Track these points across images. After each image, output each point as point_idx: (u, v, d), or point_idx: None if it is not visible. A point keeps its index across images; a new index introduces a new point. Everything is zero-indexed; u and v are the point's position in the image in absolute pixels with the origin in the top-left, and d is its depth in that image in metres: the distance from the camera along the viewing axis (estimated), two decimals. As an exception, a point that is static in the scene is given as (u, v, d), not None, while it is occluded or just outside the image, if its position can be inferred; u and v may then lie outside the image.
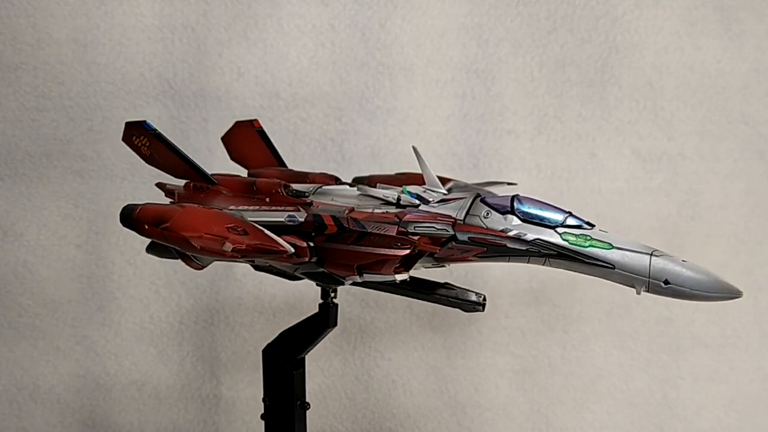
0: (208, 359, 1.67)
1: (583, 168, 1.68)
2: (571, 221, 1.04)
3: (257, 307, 1.66)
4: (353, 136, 1.63)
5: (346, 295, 1.64)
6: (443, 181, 1.22)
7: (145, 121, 1.15)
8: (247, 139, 1.33)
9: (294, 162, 1.61)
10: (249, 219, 1.07)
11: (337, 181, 1.25)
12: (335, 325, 1.23)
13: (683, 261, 0.99)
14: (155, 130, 1.15)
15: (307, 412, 1.23)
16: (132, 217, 1.09)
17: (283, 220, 1.08)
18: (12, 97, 1.57)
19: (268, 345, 1.22)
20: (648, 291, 1.01)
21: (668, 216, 1.70)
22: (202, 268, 1.17)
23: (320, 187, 1.21)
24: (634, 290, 1.02)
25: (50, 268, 1.62)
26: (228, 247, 0.99)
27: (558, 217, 1.04)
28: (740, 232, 1.72)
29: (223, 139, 1.36)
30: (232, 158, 1.36)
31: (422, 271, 1.18)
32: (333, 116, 1.62)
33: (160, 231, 1.04)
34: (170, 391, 1.67)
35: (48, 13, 1.56)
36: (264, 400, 1.22)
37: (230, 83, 1.61)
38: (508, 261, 1.07)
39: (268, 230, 1.04)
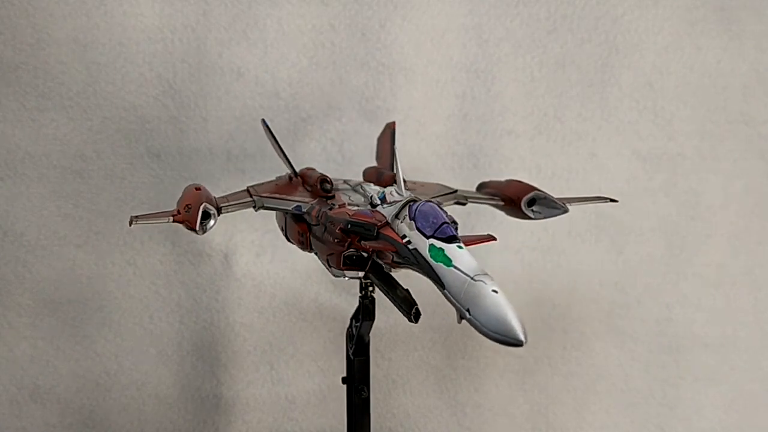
0: (208, 359, 1.67)
1: (583, 168, 1.68)
2: (441, 233, 0.95)
3: (257, 307, 1.66)
4: (353, 136, 1.63)
5: (346, 294, 1.64)
6: (526, 190, 1.22)
7: (262, 120, 1.36)
8: (384, 139, 1.43)
9: (294, 162, 1.60)
10: (267, 205, 1.20)
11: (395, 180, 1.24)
12: (372, 318, 1.20)
13: (493, 291, 0.87)
14: (268, 127, 1.34)
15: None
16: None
17: (290, 209, 1.19)
18: (12, 97, 1.57)
19: (347, 328, 1.26)
20: (464, 319, 0.88)
21: (668, 216, 1.70)
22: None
23: (360, 184, 1.26)
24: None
25: (50, 268, 1.62)
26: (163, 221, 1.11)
27: (435, 225, 0.96)
28: (740, 232, 1.72)
29: (377, 139, 1.48)
30: (376, 157, 1.45)
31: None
32: (333, 116, 1.62)
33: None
34: (170, 391, 1.67)
35: (48, 13, 1.56)
36: (342, 380, 1.27)
37: (230, 83, 1.61)
38: (414, 270, 1.00)
39: (286, 216, 1.22)
